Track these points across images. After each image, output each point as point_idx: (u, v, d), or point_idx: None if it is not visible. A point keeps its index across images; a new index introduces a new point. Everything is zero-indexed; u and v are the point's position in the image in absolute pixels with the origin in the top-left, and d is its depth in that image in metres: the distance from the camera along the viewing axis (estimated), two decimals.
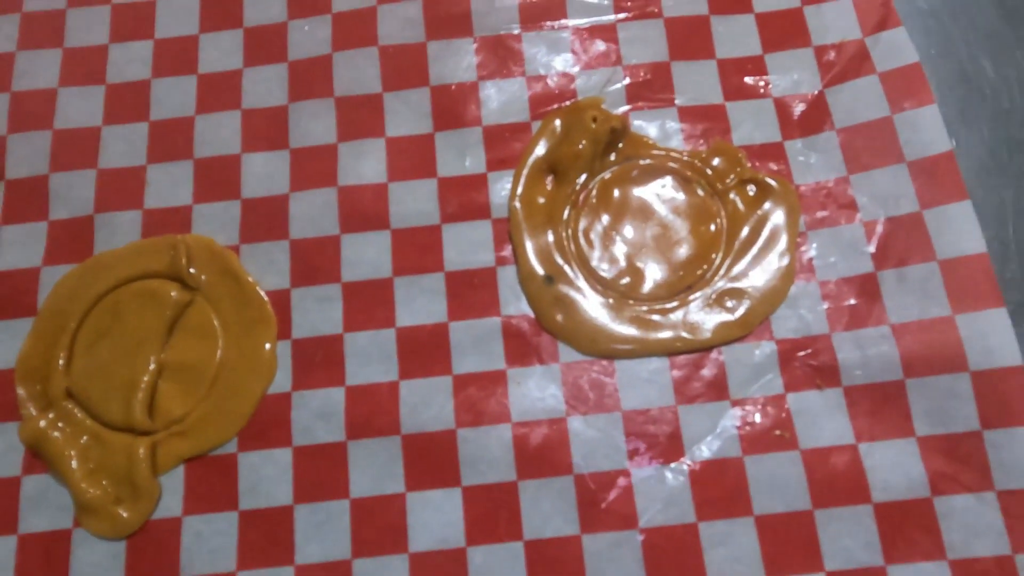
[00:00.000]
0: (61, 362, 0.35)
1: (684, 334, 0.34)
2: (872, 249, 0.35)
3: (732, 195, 0.36)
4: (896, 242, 0.35)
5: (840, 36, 0.39)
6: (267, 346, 0.35)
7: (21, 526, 0.34)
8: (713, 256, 0.35)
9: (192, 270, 0.37)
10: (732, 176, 0.36)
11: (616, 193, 0.37)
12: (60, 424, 0.34)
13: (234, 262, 0.37)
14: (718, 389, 0.34)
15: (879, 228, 0.35)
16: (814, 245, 0.36)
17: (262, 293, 0.36)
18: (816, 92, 0.38)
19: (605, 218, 0.37)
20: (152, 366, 0.35)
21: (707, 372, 0.34)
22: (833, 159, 0.37)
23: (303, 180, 0.38)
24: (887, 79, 0.37)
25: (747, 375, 0.34)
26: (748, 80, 0.39)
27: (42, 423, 0.34)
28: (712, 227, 0.36)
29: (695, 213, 0.36)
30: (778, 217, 0.36)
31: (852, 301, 0.35)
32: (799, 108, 0.38)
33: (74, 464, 0.34)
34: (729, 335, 0.34)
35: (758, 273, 0.35)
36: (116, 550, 0.33)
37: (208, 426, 0.34)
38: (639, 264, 0.36)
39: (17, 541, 0.33)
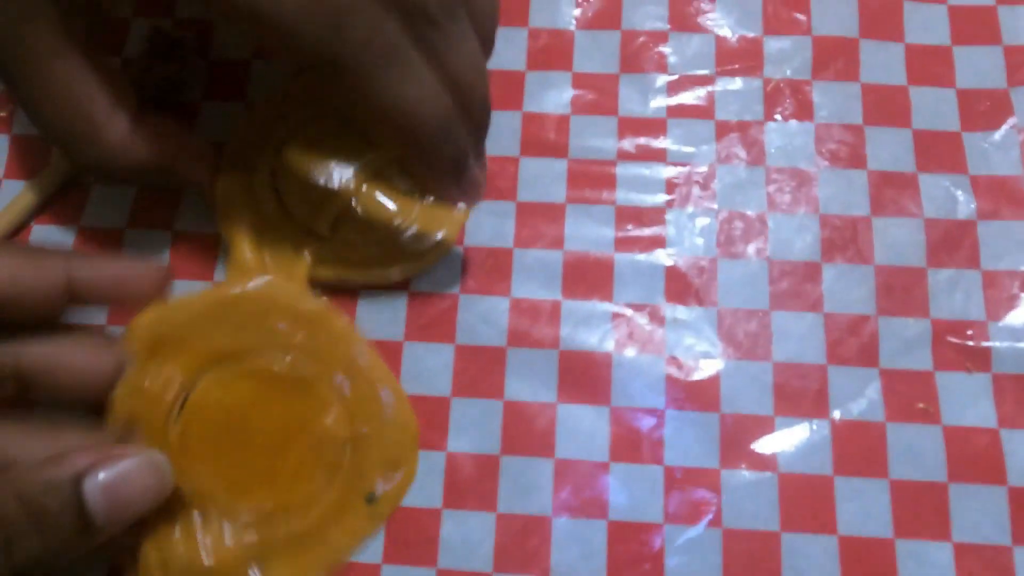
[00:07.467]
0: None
1: None
2: None
3: None
4: None
5: None
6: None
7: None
8: None
9: None
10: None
11: None
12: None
13: None
14: (868, 356, 0.35)
15: None
16: (984, 236, 0.37)
17: None
18: (1002, 89, 0.39)
19: None
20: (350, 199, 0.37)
21: (860, 338, 0.35)
22: (1010, 156, 0.38)
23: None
24: None
25: (898, 347, 0.35)
26: (934, 68, 0.39)
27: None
28: None
29: None
30: None
31: (1014, 293, 0.35)
32: (982, 103, 0.39)
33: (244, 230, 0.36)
34: None
35: None
36: None
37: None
38: None
39: None
